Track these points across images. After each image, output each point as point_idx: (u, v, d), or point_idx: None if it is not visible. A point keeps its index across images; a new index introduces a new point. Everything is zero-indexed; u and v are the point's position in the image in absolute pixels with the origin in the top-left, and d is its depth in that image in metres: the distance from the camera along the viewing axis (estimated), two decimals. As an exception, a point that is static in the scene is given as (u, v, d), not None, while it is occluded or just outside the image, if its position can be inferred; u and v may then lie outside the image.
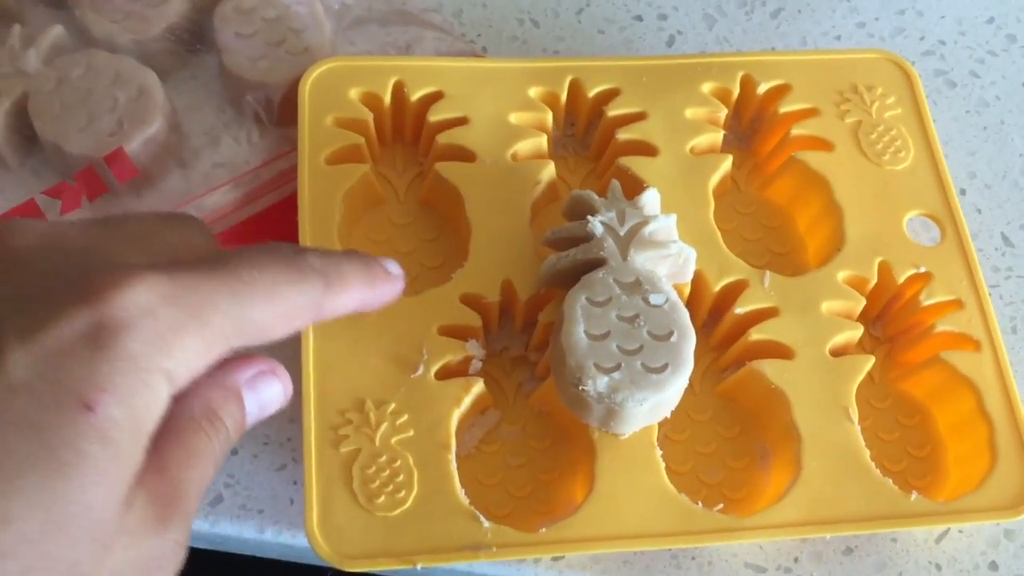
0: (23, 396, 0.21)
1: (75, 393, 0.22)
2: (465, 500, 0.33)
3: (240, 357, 0.27)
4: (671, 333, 0.33)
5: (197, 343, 0.24)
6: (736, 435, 0.37)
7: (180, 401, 0.24)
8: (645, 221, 0.35)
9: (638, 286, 0.33)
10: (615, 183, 0.36)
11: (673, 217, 0.35)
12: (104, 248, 0.25)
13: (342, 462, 0.33)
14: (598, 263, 0.34)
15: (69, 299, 0.22)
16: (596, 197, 0.35)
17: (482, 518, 0.33)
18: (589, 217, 0.34)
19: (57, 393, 0.22)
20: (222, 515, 0.35)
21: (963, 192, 0.43)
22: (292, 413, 0.36)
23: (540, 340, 0.37)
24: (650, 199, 0.35)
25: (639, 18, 0.47)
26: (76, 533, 0.22)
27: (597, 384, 0.31)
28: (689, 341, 0.33)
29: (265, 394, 0.27)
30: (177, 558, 0.25)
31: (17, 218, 0.24)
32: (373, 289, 0.28)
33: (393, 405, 0.34)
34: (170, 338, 0.23)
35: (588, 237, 0.34)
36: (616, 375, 0.32)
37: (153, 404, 0.23)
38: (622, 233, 0.34)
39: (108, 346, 0.22)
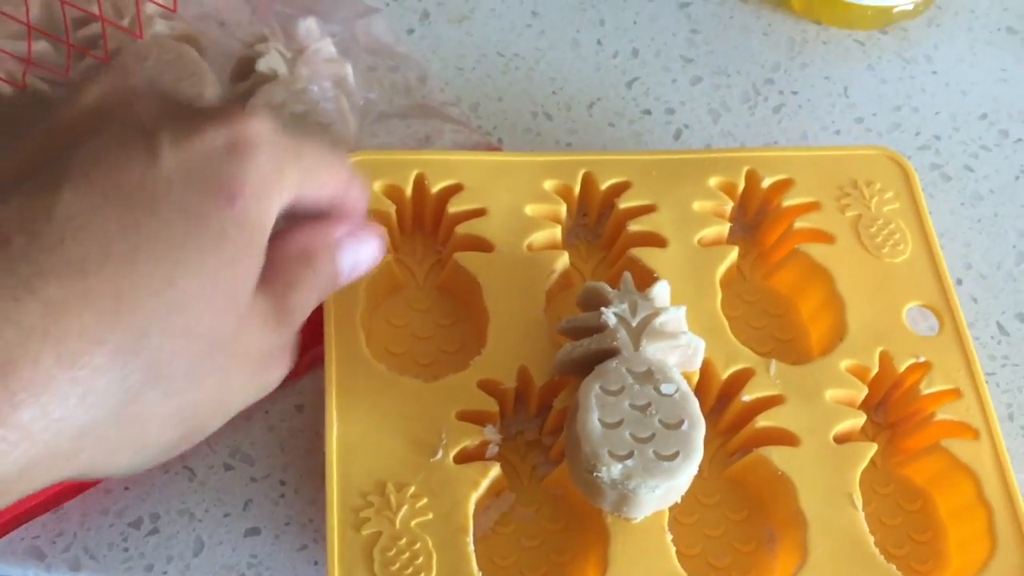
0: (178, 185, 0.26)
1: (220, 187, 0.26)
2: (482, 582, 0.34)
3: (336, 217, 0.32)
4: (682, 422, 0.34)
5: (294, 176, 0.29)
6: (744, 519, 0.38)
7: (278, 245, 0.29)
8: (656, 313, 0.36)
9: (650, 376, 0.35)
10: (627, 276, 0.38)
11: (683, 309, 0.37)
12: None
13: (363, 544, 0.34)
14: (611, 353, 0.35)
15: (210, 120, 0.27)
16: (609, 289, 0.37)
17: (498, 601, 0.34)
18: (603, 309, 0.36)
19: (206, 185, 0.26)
20: (245, 594, 0.36)
21: (959, 282, 0.45)
22: (314, 495, 0.38)
23: (554, 425, 0.38)
24: (660, 291, 0.37)
25: (648, 112, 0.49)
26: (220, 303, 0.27)
27: (611, 471, 0.33)
28: (699, 430, 0.34)
29: (361, 250, 0.32)
30: (286, 362, 0.30)
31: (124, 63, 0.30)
32: (364, 188, 0.33)
33: (413, 488, 0.35)
34: (283, 163, 0.28)
35: (601, 328, 0.36)
36: (629, 462, 0.33)
37: (272, 212, 0.28)
38: (634, 324, 0.36)
39: (244, 157, 0.27)
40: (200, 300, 0.26)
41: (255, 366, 0.29)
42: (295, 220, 0.31)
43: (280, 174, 0.28)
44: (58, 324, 0.23)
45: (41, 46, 0.44)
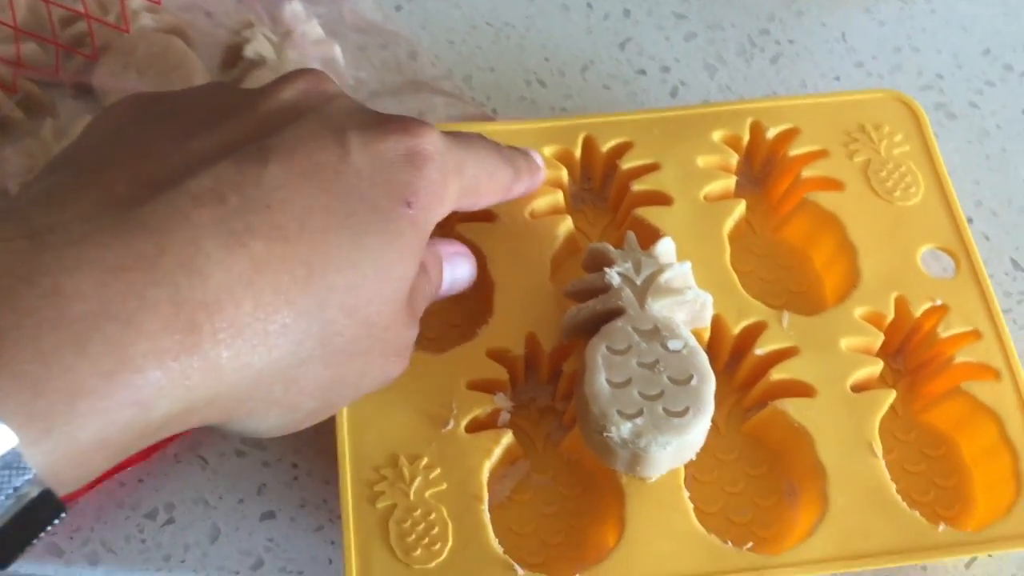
0: (366, 180, 0.28)
1: (400, 191, 0.29)
2: (499, 549, 0.34)
3: (438, 237, 0.34)
4: (691, 377, 0.33)
5: (456, 188, 0.31)
6: (763, 473, 0.38)
7: None
8: (660, 269, 0.36)
9: (656, 333, 0.34)
10: (630, 235, 0.37)
11: (688, 264, 0.36)
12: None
13: (379, 518, 0.34)
14: (617, 313, 0.35)
15: (393, 128, 0.30)
16: (612, 249, 0.36)
17: (517, 567, 0.33)
18: (606, 269, 0.35)
19: (389, 186, 0.29)
20: (264, 577, 0.36)
21: (970, 220, 0.44)
22: (327, 475, 0.37)
23: (566, 390, 0.38)
24: (665, 248, 0.37)
25: (643, 72, 0.48)
26: (387, 293, 0.29)
27: (621, 430, 0.32)
28: (709, 384, 0.33)
29: (458, 269, 0.36)
30: (406, 360, 0.32)
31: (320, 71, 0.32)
32: (533, 179, 0.37)
33: (426, 459, 0.35)
34: (449, 177, 0.31)
35: (606, 288, 0.35)
36: (639, 421, 0.32)
37: (434, 220, 0.31)
38: (639, 282, 0.35)
39: (420, 167, 0.30)
40: (374, 285, 0.28)
41: (390, 357, 0.31)
42: None
43: (445, 186, 0.31)
44: (261, 277, 0.26)
45: (29, 47, 0.44)
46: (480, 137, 0.35)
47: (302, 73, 0.31)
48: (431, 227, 0.31)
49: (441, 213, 0.31)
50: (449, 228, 0.40)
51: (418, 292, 0.32)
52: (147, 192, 0.25)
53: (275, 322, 0.26)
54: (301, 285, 0.26)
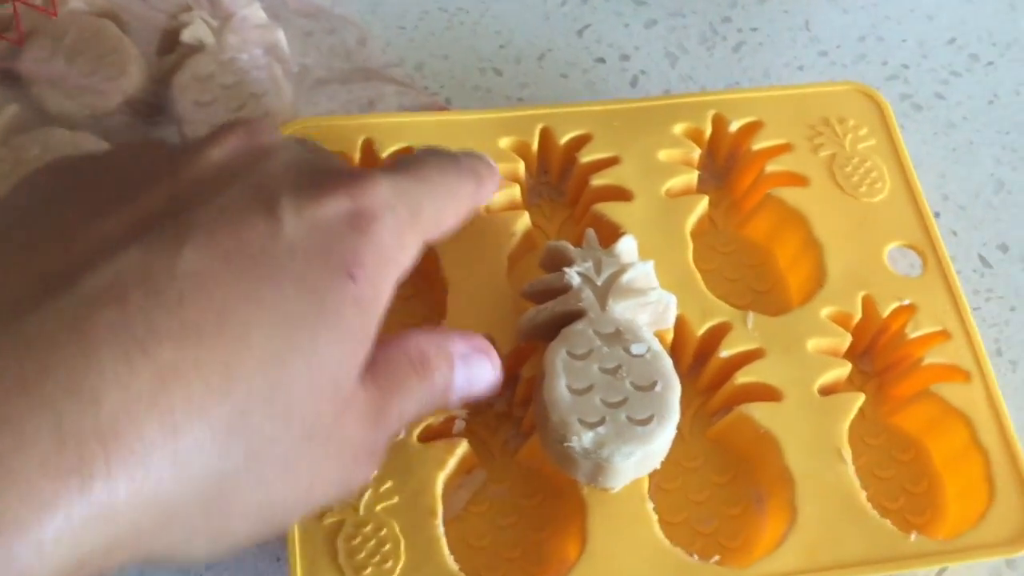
0: (300, 256, 0.24)
1: (341, 263, 0.25)
2: (455, 566, 0.32)
3: (457, 331, 0.31)
4: (655, 383, 0.32)
5: (416, 238, 0.28)
6: (729, 481, 0.36)
7: (396, 343, 0.28)
8: (622, 269, 0.34)
9: (619, 336, 0.33)
10: (590, 232, 0.35)
11: (651, 263, 0.35)
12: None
13: (326, 534, 0.32)
14: (577, 315, 0.33)
15: (333, 187, 0.26)
16: (572, 247, 0.35)
17: (473, 585, 0.32)
18: (565, 269, 0.34)
19: (327, 260, 0.25)
20: (205, 598, 0.34)
21: (937, 215, 0.43)
22: None
23: (524, 395, 0.36)
24: (626, 246, 0.35)
25: (601, 60, 0.46)
26: (325, 388, 0.25)
27: (582, 440, 0.31)
28: (674, 390, 0.32)
29: (476, 372, 0.30)
30: (374, 464, 0.28)
31: (257, 119, 0.28)
32: (495, 182, 0.34)
33: (376, 471, 0.33)
34: (404, 232, 0.27)
35: (565, 289, 0.34)
36: (601, 429, 0.31)
37: (389, 286, 0.27)
38: (599, 283, 0.34)
39: (365, 231, 0.26)
40: (305, 382, 0.24)
41: (346, 461, 0.27)
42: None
43: (401, 245, 0.27)
44: (166, 391, 0.21)
45: (-50, 31, 0.41)
46: (431, 154, 0.31)
47: (233, 128, 0.27)
48: (385, 297, 0.27)
49: (399, 275, 0.27)
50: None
51: (404, 394, 0.28)
52: (38, 295, 0.22)
53: (186, 442, 0.22)
54: (217, 394, 0.22)
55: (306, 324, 0.24)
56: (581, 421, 0.31)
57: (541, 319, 0.34)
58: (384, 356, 0.27)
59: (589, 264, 0.34)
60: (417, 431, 0.34)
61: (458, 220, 0.31)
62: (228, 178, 0.25)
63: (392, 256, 0.27)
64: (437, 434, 0.34)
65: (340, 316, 0.25)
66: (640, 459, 0.31)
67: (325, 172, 0.27)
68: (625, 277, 0.34)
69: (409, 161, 0.30)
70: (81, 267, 0.22)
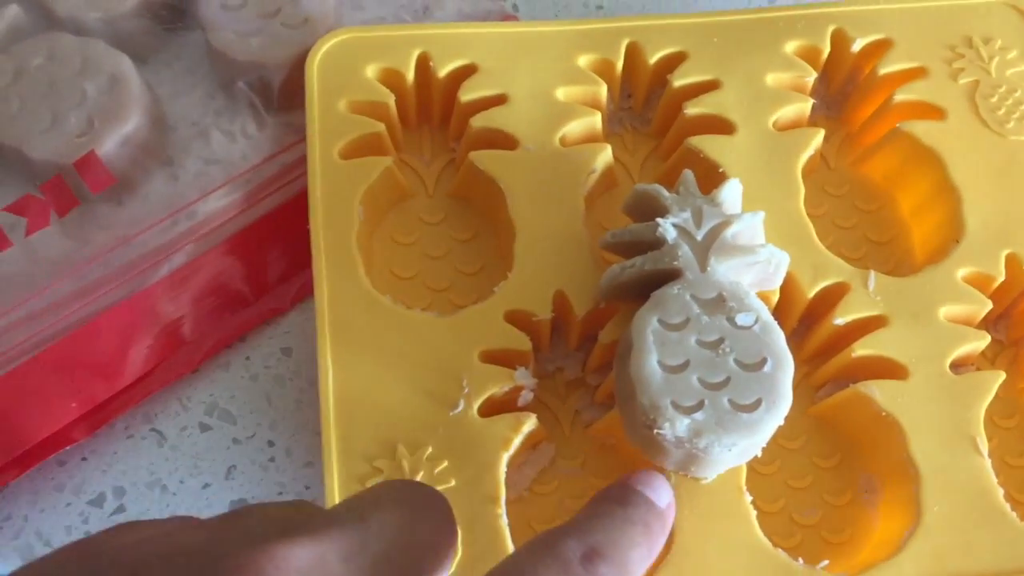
0: None
1: None
2: (519, 559, 0.28)
3: None
4: (764, 361, 0.27)
5: None
6: (835, 466, 0.32)
7: None
8: (727, 222, 0.29)
9: (722, 303, 0.27)
10: (688, 174, 0.30)
11: (760, 215, 0.29)
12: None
13: (372, 519, 0.28)
14: (671, 275, 0.28)
15: None
16: (666, 193, 0.29)
17: (539, 586, 0.27)
18: (659, 220, 0.28)
19: None
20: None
21: (1093, 159, 0.37)
22: (309, 455, 0.32)
23: (600, 360, 0.32)
24: (731, 193, 0.30)
25: (701, -37, 0.40)
26: None
27: (676, 427, 0.26)
28: (786, 371, 0.27)
29: None
30: None
31: (131, 524, 0.20)
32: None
33: (430, 449, 0.29)
34: None
35: (658, 243, 0.29)
36: (698, 416, 0.26)
37: None
38: (699, 238, 0.28)
39: None
40: None
41: None
42: None
43: None
44: None
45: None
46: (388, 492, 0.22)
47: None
48: None
49: None
50: (461, 158, 0.34)
51: None
52: None
53: None
54: None
55: None
56: (675, 405, 0.26)
57: (627, 277, 0.29)
58: None
59: (687, 214, 0.29)
60: (477, 403, 0.29)
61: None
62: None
63: None
64: (500, 407, 0.30)
65: None
66: (742, 450, 0.27)
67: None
68: (730, 231, 0.28)
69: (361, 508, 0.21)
70: None
